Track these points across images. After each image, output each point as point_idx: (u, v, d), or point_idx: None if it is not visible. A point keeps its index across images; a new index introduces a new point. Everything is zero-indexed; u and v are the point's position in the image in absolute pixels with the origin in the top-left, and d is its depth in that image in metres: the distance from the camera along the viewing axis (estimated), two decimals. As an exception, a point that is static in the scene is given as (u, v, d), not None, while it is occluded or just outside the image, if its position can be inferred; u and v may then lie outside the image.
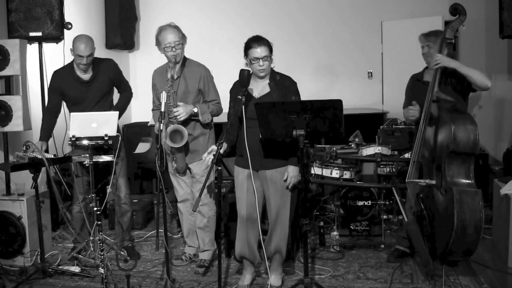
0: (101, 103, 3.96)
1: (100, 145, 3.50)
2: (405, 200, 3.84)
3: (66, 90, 3.92)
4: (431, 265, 3.36)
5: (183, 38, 3.71)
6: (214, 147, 3.16)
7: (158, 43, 3.69)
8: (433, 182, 3.35)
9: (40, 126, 4.04)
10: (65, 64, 4.03)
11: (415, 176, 3.50)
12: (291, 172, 3.33)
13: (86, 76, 3.92)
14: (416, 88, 3.82)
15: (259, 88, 3.37)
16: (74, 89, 3.92)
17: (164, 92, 3.45)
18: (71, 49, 3.83)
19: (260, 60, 3.25)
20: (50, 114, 4.04)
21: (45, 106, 4.52)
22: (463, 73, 3.45)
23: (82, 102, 3.92)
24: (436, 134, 3.36)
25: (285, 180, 3.34)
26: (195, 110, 3.69)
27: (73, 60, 3.88)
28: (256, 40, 3.26)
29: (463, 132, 3.22)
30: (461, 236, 3.10)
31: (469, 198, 3.14)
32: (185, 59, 3.79)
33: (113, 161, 3.61)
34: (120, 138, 3.62)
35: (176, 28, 3.70)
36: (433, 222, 3.34)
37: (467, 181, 3.25)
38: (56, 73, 3.99)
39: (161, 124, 3.33)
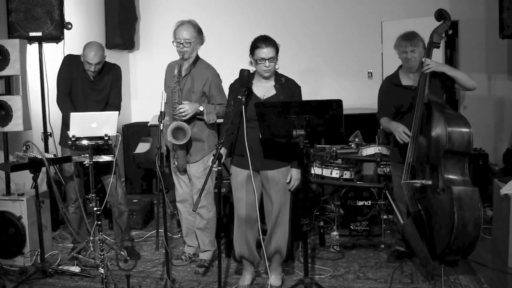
0: (101, 104, 3.97)
1: (100, 145, 3.50)
2: (394, 201, 3.86)
3: (73, 79, 3.94)
4: (431, 265, 3.36)
5: (197, 37, 3.68)
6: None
7: (173, 36, 3.69)
8: (429, 182, 3.38)
9: (64, 116, 3.94)
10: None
11: (408, 177, 3.51)
12: (295, 175, 3.33)
13: (91, 77, 3.94)
14: (393, 92, 3.80)
15: (264, 89, 3.37)
16: (79, 83, 3.93)
17: (163, 92, 3.45)
18: (81, 54, 3.85)
19: (267, 61, 3.24)
20: (69, 98, 3.96)
21: (45, 106, 4.52)
22: (452, 75, 3.54)
23: (83, 99, 3.93)
24: (430, 136, 3.38)
25: (288, 182, 3.35)
26: (201, 108, 3.67)
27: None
28: (263, 40, 3.25)
29: (458, 132, 3.28)
30: (462, 234, 3.13)
31: (468, 196, 3.18)
32: (197, 59, 3.78)
33: (108, 161, 3.63)
34: (120, 138, 3.61)
35: (193, 26, 3.68)
36: (431, 222, 3.35)
37: (463, 179, 3.30)
38: (70, 58, 4.01)
39: (161, 125, 3.33)
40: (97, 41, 3.98)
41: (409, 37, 3.67)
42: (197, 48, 3.75)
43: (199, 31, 3.72)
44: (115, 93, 4.05)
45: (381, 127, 4.53)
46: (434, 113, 3.39)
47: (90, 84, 3.95)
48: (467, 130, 3.29)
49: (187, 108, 3.63)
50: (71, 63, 3.97)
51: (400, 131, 3.58)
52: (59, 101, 3.97)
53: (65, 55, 4.09)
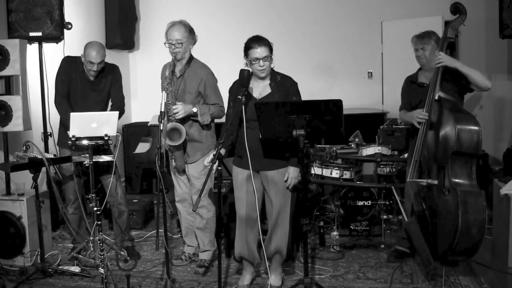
0: (100, 104, 3.97)
1: (100, 145, 3.50)
2: (403, 200, 3.85)
3: (72, 80, 3.94)
4: (432, 265, 3.36)
5: (189, 37, 3.69)
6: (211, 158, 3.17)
7: (165, 37, 3.69)
8: (435, 182, 3.35)
9: (62, 114, 3.93)
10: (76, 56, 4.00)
11: (415, 176, 3.50)
12: (292, 173, 3.33)
13: (91, 78, 3.95)
14: (411, 90, 3.83)
15: (260, 88, 3.37)
16: (78, 84, 3.94)
17: (164, 92, 3.45)
18: (82, 54, 3.85)
19: (261, 60, 3.24)
20: (67, 100, 3.96)
21: (45, 106, 4.52)
22: (465, 73, 3.46)
23: (82, 99, 3.93)
24: (438, 134, 3.36)
25: (286, 181, 3.34)
26: (195, 110, 3.68)
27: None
28: (256, 40, 3.25)
29: (467, 132, 3.22)
30: (465, 237, 3.11)
31: (473, 199, 3.15)
32: (191, 58, 3.78)
33: (108, 161, 3.63)
34: (120, 138, 3.61)
35: (184, 26, 3.68)
36: (435, 222, 3.34)
37: (470, 182, 3.26)
38: (68, 59, 4.01)
39: (161, 124, 3.33)
40: (97, 41, 3.99)
41: (420, 36, 3.73)
42: (190, 48, 3.75)
43: (190, 31, 3.71)
44: (116, 90, 4.05)
45: (381, 127, 4.55)
46: (444, 111, 3.35)
47: (90, 85, 3.96)
48: (477, 131, 3.22)
49: (180, 108, 3.62)
50: (69, 65, 3.97)
51: (416, 113, 3.57)
52: (57, 103, 3.97)
53: (64, 56, 4.09)
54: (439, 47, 3.57)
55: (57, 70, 4.02)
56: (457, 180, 3.25)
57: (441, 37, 3.59)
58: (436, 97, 3.43)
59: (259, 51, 3.22)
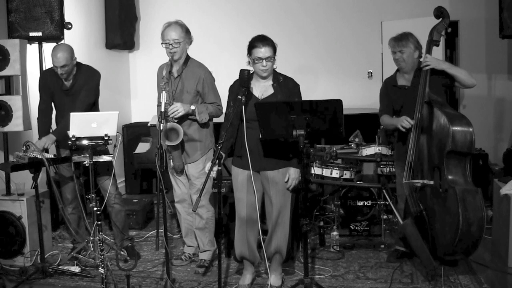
0: (77, 110, 3.92)
1: (100, 145, 3.50)
2: (395, 198, 3.86)
3: (51, 93, 3.96)
4: (433, 265, 3.36)
5: (185, 37, 3.69)
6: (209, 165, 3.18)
7: (161, 38, 3.69)
8: (431, 182, 3.37)
9: (37, 127, 4.06)
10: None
11: (409, 177, 3.51)
12: (293, 174, 3.33)
13: (66, 84, 3.92)
14: (391, 93, 3.82)
15: (262, 88, 3.36)
16: (56, 94, 3.96)
17: (164, 92, 3.45)
18: None
19: (264, 60, 3.23)
20: (44, 115, 4.04)
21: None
22: (452, 73, 3.51)
23: (62, 109, 3.94)
24: (432, 135, 3.37)
25: (286, 182, 3.34)
26: (192, 107, 3.67)
27: None
28: (261, 40, 3.24)
29: (461, 131, 3.27)
30: (466, 235, 3.14)
31: (471, 197, 3.19)
32: (187, 58, 3.78)
33: (105, 161, 3.63)
34: (120, 138, 3.61)
35: (181, 26, 3.68)
36: (433, 222, 3.34)
37: (466, 180, 3.30)
38: (44, 73, 4.05)
39: (161, 124, 3.33)
40: (66, 44, 3.92)
41: (398, 38, 3.70)
42: (187, 48, 3.75)
43: (187, 31, 3.72)
44: (84, 93, 3.89)
45: (381, 127, 4.55)
46: (435, 112, 3.38)
47: (65, 94, 3.93)
48: (470, 130, 3.27)
49: (178, 106, 3.62)
50: (44, 78, 3.99)
51: (402, 119, 3.56)
52: (38, 118, 4.06)
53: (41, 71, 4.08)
54: (426, 50, 3.58)
55: None
56: (453, 179, 3.28)
57: (427, 41, 3.60)
58: (426, 99, 3.45)
59: (263, 51, 3.22)
